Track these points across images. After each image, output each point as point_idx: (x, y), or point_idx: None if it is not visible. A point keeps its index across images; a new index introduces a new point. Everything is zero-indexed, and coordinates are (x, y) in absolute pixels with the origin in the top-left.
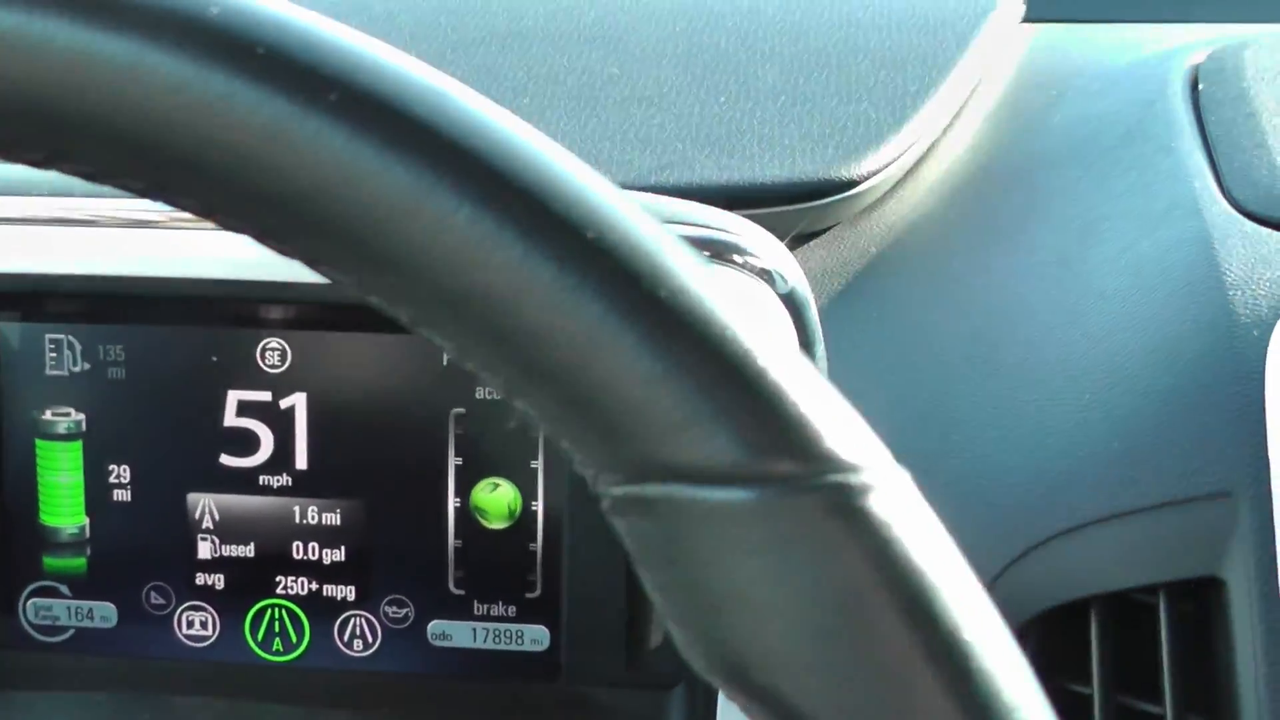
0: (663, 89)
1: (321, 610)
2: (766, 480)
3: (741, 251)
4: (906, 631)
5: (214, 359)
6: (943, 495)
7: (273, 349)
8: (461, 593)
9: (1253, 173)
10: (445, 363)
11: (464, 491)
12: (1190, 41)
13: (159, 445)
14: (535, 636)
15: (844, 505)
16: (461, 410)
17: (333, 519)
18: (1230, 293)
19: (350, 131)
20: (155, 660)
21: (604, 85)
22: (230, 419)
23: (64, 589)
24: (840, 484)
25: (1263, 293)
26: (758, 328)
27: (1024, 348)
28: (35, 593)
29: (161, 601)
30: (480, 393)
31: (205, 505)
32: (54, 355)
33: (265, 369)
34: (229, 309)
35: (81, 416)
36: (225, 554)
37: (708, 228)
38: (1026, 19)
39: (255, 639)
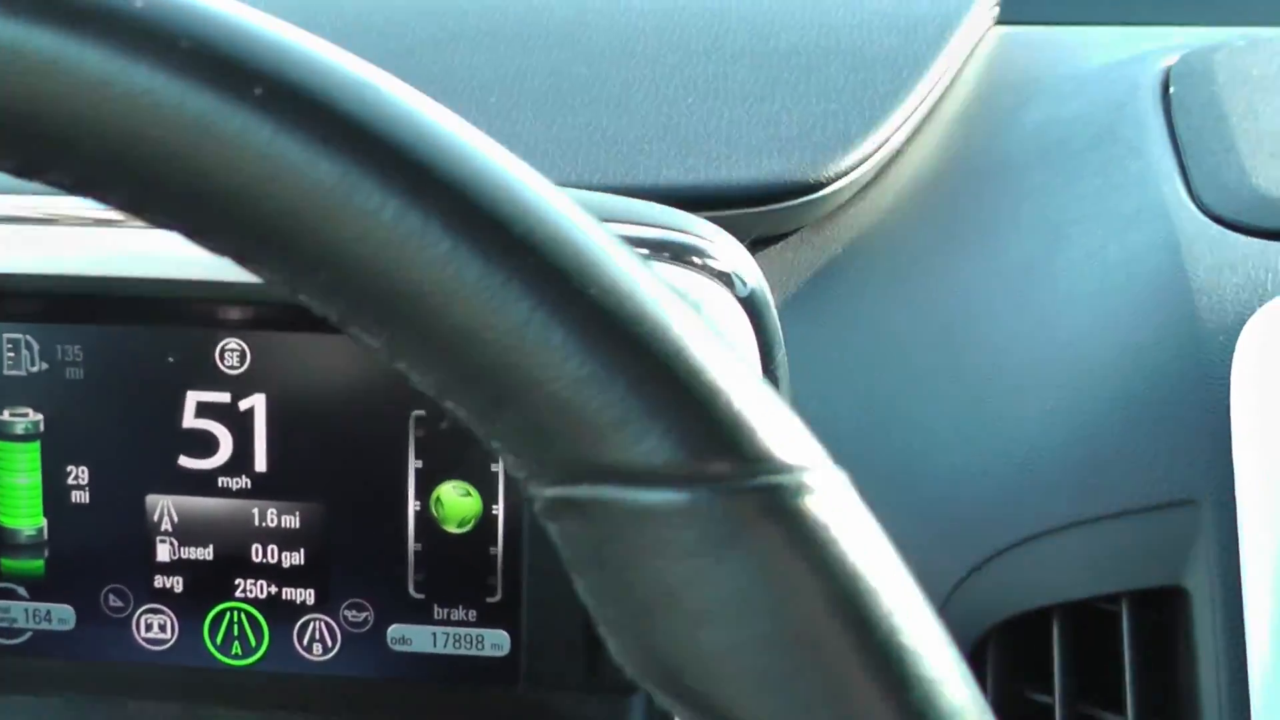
0: (630, 89)
1: (281, 613)
2: (699, 481)
3: (701, 254)
4: (842, 635)
5: (172, 360)
6: (905, 501)
7: (232, 350)
8: (421, 597)
9: (1221, 177)
10: None
11: (424, 494)
12: (1163, 45)
13: (117, 446)
14: (496, 641)
15: (778, 506)
16: (422, 413)
17: (292, 521)
18: (1196, 298)
19: (275, 126)
20: (113, 663)
21: (572, 85)
22: (189, 420)
23: (21, 591)
24: (775, 485)
25: (1229, 298)
26: (692, 325)
27: (989, 352)
28: None
29: (120, 604)
30: None
31: (164, 507)
32: (11, 355)
33: (224, 370)
34: (188, 309)
35: (40, 417)
36: (184, 556)
37: (667, 229)
38: (1000, 21)
39: (214, 642)
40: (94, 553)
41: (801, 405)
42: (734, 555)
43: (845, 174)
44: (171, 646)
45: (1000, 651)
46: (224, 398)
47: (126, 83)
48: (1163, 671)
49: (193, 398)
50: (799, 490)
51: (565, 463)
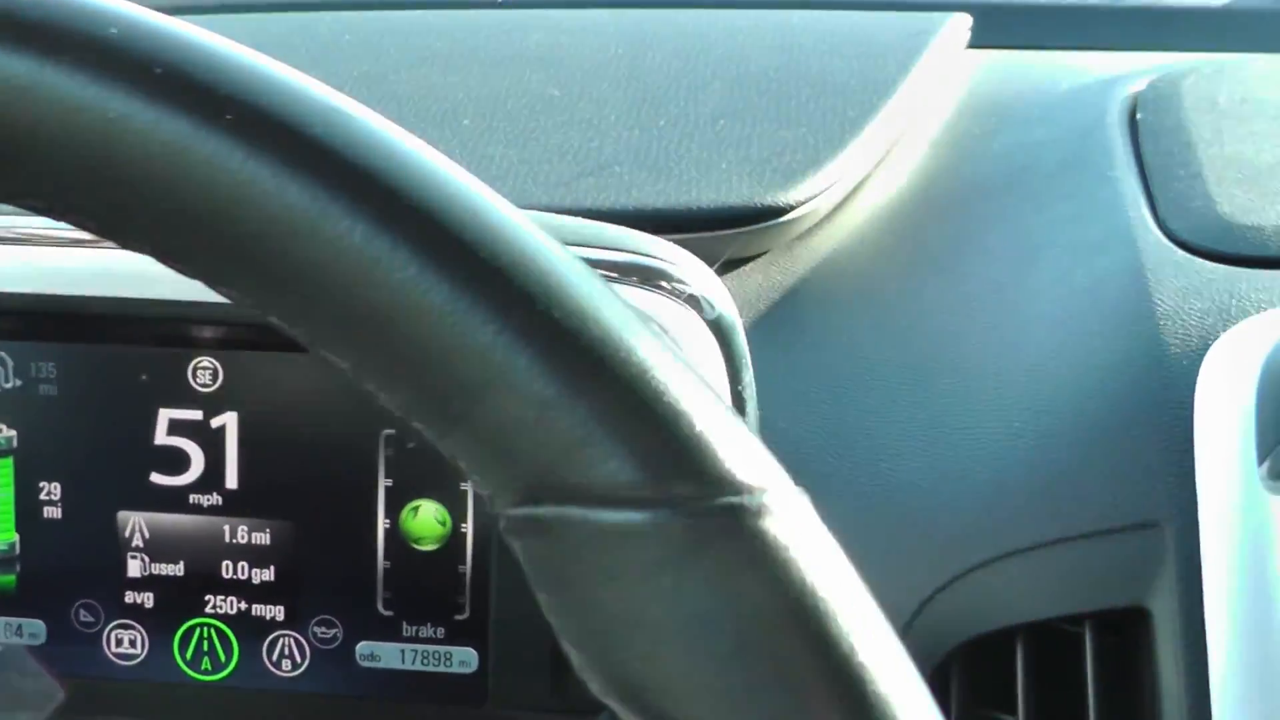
0: (602, 111)
1: (250, 630)
2: (661, 502)
3: (668, 277)
4: (801, 655)
5: (145, 377)
6: (870, 522)
7: (204, 368)
8: (390, 614)
9: (1187, 202)
10: None
11: (394, 512)
12: (1131, 70)
13: (90, 463)
14: (463, 658)
15: (739, 527)
16: (392, 431)
17: (262, 539)
18: (1161, 323)
19: (246, 151)
20: (84, 678)
21: (544, 107)
22: (161, 437)
23: None
24: (736, 506)
25: (1193, 323)
26: (655, 349)
27: (955, 376)
28: None
29: (91, 619)
30: None
31: (135, 523)
32: None
33: (196, 388)
34: (161, 328)
35: (13, 433)
36: (155, 572)
37: (635, 253)
38: (971, 45)
39: (184, 658)
40: (65, 568)
41: (769, 427)
42: (696, 575)
43: (814, 198)
44: (142, 662)
45: (964, 672)
46: (196, 415)
47: (100, 108)
48: (1125, 693)
49: (165, 415)
50: (760, 511)
51: (529, 483)
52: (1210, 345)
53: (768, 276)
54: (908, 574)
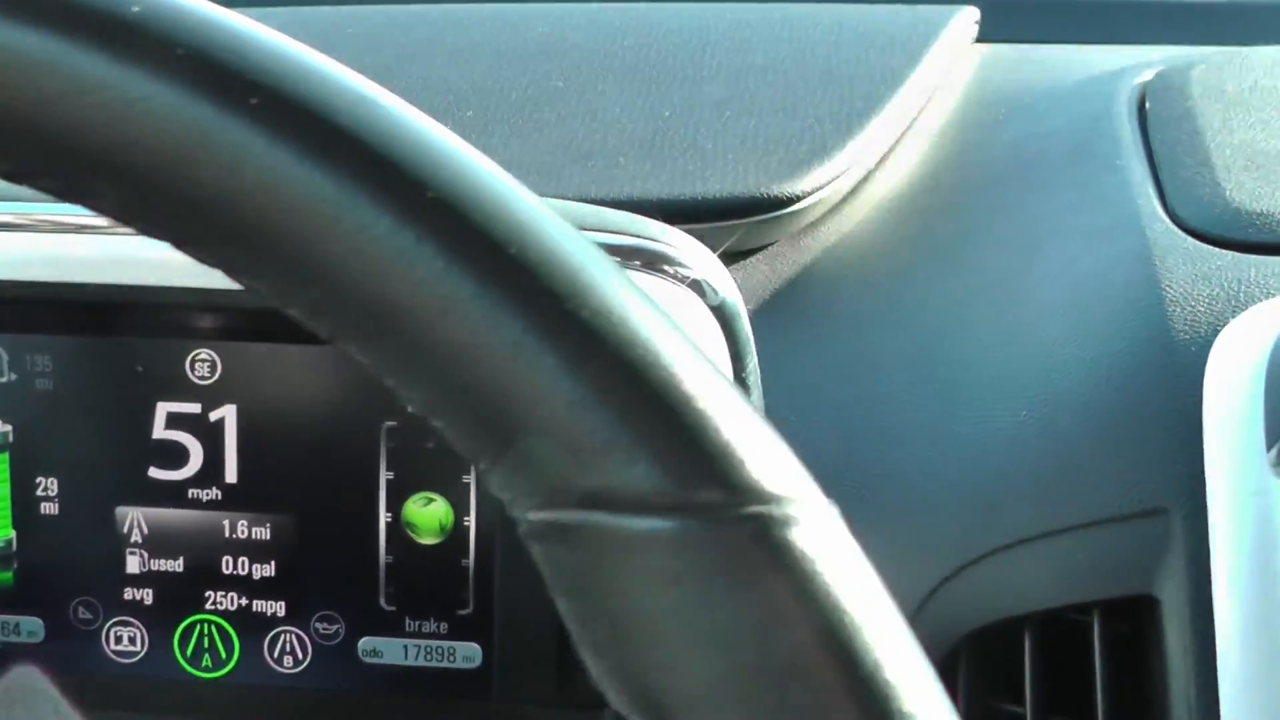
0: (608, 102)
1: (251, 626)
2: (687, 510)
3: (672, 262)
4: (826, 670)
5: (143, 370)
6: (878, 512)
7: (203, 360)
8: (393, 609)
9: (1195, 190)
10: None
11: (395, 506)
12: (1139, 61)
13: (87, 457)
14: (467, 654)
15: (766, 537)
16: (394, 424)
17: (262, 533)
18: (1169, 309)
19: (271, 138)
20: (83, 676)
21: (549, 98)
22: (159, 431)
23: None
24: (764, 515)
25: (1201, 310)
26: (685, 352)
27: (962, 365)
28: None
29: (89, 616)
30: None
31: (134, 519)
32: None
33: (195, 380)
34: (159, 319)
35: (9, 428)
36: (154, 568)
37: (639, 236)
38: (979, 39)
39: (184, 655)
40: (63, 564)
41: (775, 417)
42: (720, 585)
43: (820, 188)
44: (141, 659)
45: (971, 662)
46: (194, 409)
47: (121, 88)
48: (1133, 682)
49: (163, 408)
50: (787, 521)
51: (553, 487)
52: (1219, 332)
53: (775, 267)
54: (915, 563)
